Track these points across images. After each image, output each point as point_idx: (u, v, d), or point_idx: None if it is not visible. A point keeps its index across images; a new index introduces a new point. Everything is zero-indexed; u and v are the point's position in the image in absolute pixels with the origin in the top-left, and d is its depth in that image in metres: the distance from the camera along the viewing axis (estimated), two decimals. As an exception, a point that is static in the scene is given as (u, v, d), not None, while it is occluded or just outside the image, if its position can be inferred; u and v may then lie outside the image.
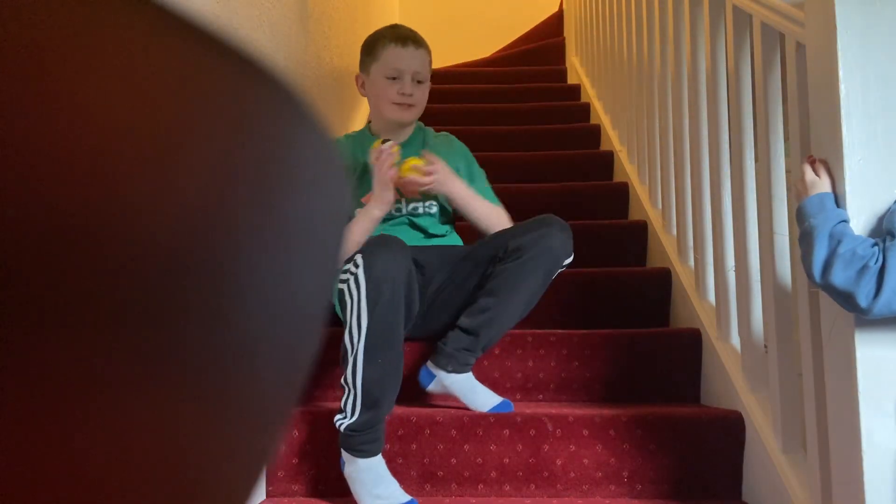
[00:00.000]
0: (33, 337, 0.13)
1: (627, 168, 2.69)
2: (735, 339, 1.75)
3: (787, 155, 1.46)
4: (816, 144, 1.25)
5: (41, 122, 0.13)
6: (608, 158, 2.92)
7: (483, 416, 1.60)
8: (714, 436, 1.60)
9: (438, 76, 4.25)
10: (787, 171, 1.47)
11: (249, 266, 0.17)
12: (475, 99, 3.61)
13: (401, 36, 1.75)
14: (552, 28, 4.48)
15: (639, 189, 2.55)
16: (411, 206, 1.77)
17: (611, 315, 2.09)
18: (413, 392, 1.71)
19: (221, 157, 0.16)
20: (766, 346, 1.57)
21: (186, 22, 0.15)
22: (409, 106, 1.75)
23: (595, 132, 3.16)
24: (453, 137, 1.90)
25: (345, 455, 1.48)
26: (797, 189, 1.25)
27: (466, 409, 1.64)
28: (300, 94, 0.18)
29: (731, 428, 1.61)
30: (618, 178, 2.82)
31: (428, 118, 1.93)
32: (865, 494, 1.12)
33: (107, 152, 0.14)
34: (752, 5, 1.55)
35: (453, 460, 1.58)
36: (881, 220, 1.16)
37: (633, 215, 2.60)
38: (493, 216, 1.76)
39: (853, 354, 1.14)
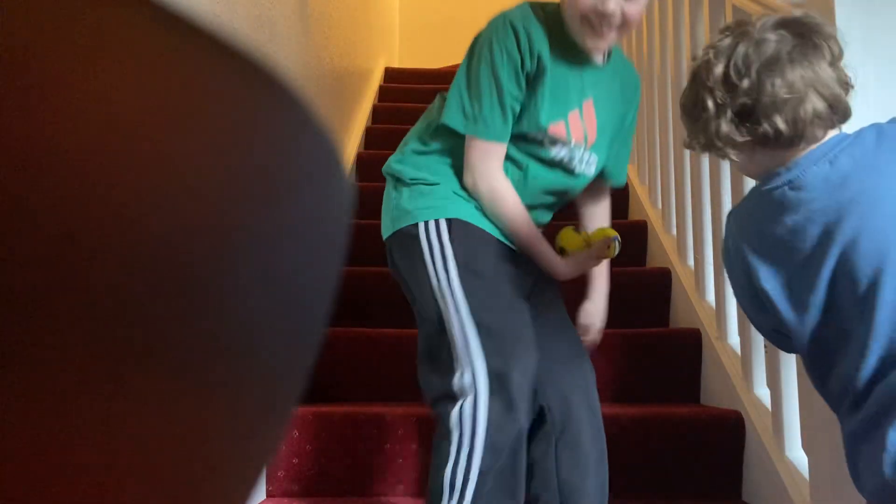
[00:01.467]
0: (33, 336, 0.13)
1: (627, 168, 2.69)
2: (735, 339, 1.75)
3: (787, 155, 1.45)
4: (816, 144, 1.25)
5: (42, 123, 0.13)
6: (608, 158, 2.92)
7: (483, 416, 1.60)
8: (714, 436, 1.60)
9: (439, 76, 4.26)
10: (787, 171, 1.46)
11: (251, 266, 0.17)
12: (475, 99, 3.60)
13: None
14: (552, 28, 4.47)
15: (639, 189, 2.55)
16: (580, 156, 1.31)
17: (611, 315, 2.08)
18: (413, 392, 1.71)
19: (221, 156, 0.16)
20: (766, 346, 1.57)
21: (186, 22, 0.15)
22: (607, 32, 1.17)
23: (595, 132, 3.16)
24: (635, 72, 1.44)
25: None
26: None
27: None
28: (300, 94, 0.18)
29: (731, 428, 1.61)
30: (618, 178, 2.82)
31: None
32: (865, 494, 1.12)
33: (108, 153, 0.14)
34: (752, 5, 1.54)
35: (453, 460, 1.58)
36: None
37: (633, 215, 2.60)
38: None
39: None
